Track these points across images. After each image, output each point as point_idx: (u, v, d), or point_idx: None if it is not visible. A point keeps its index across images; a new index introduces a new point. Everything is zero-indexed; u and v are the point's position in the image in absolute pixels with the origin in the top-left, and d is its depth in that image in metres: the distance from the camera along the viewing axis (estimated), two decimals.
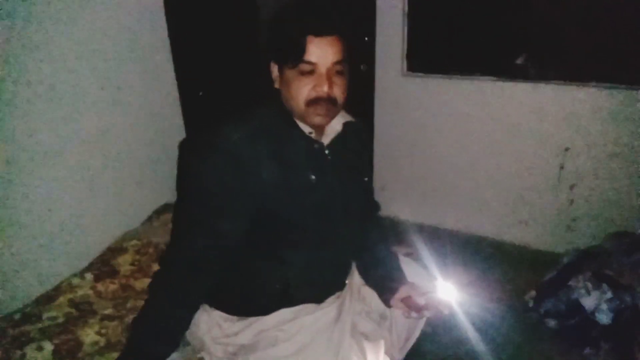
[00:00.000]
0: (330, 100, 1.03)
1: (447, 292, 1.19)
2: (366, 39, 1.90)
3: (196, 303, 1.12)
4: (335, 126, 1.16)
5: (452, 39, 2.29)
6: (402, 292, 1.20)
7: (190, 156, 1.14)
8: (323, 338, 1.12)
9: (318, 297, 1.19)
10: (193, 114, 2.03)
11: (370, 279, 1.28)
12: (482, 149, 2.39)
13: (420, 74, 2.40)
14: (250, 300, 1.16)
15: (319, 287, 1.19)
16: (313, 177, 1.10)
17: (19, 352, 1.24)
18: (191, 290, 1.07)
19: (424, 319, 1.31)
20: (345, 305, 1.21)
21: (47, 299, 1.44)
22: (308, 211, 1.10)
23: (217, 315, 1.17)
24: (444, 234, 2.57)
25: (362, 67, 1.95)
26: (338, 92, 1.04)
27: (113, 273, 1.58)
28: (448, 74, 2.34)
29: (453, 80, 2.33)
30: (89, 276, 1.55)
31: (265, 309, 1.15)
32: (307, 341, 1.11)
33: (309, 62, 1.00)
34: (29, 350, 1.24)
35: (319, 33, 0.99)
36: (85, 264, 1.63)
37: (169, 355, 1.08)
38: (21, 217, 1.45)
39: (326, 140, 1.15)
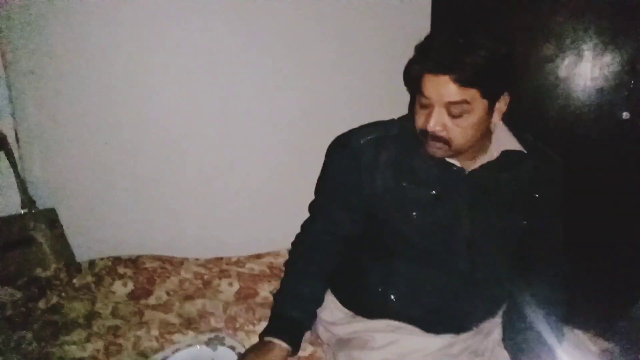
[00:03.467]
0: (434, 137, 1.01)
1: None
2: (626, 93, 1.54)
3: (317, 279, 1.19)
4: (491, 152, 1.12)
5: None
6: None
7: (331, 145, 1.26)
8: None
9: (423, 323, 1.11)
10: None
11: (510, 339, 1.15)
12: None
13: None
14: (355, 297, 1.20)
15: (425, 310, 1.12)
16: (433, 191, 1.09)
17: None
18: (313, 265, 1.18)
19: None
20: (456, 354, 1.10)
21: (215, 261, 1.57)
22: (418, 226, 1.10)
23: (331, 300, 1.23)
24: None
25: (624, 115, 1.60)
26: (453, 133, 1.01)
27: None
28: None
29: None
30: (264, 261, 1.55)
31: (369, 312, 1.16)
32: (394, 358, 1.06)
33: (425, 96, 1.01)
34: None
35: (432, 71, 0.99)
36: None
37: (305, 322, 1.16)
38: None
39: (476, 164, 1.11)
